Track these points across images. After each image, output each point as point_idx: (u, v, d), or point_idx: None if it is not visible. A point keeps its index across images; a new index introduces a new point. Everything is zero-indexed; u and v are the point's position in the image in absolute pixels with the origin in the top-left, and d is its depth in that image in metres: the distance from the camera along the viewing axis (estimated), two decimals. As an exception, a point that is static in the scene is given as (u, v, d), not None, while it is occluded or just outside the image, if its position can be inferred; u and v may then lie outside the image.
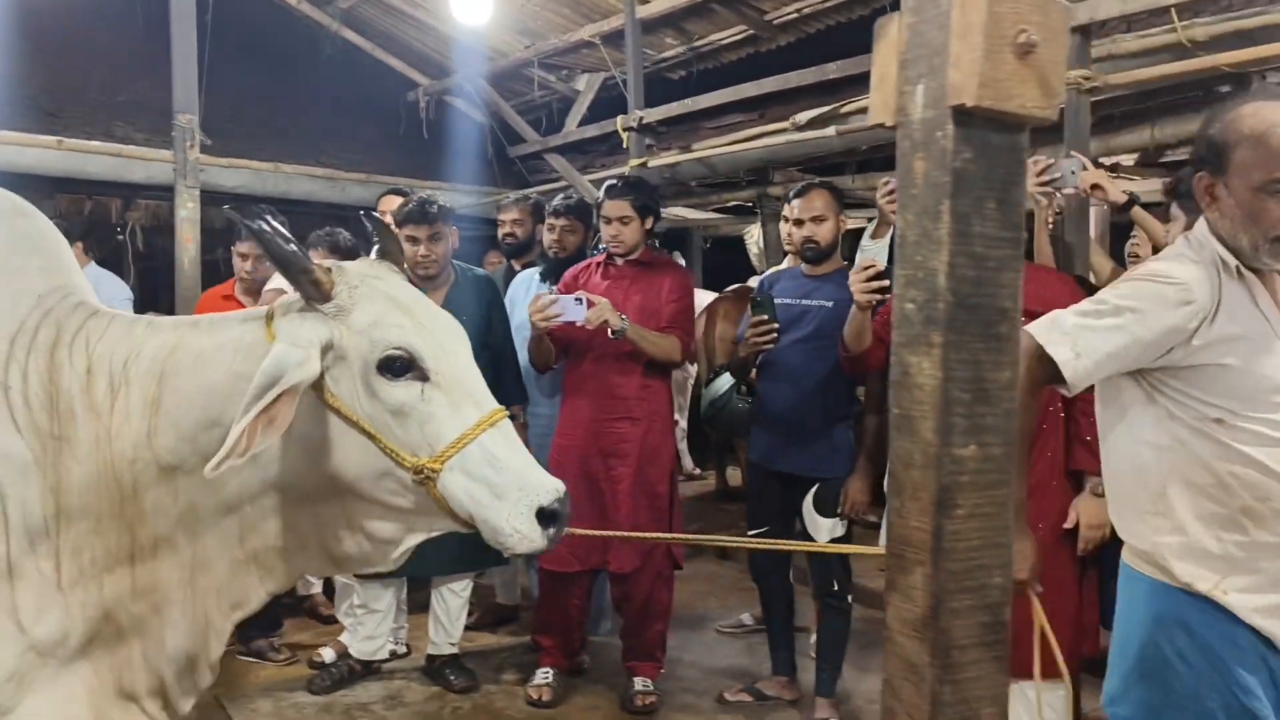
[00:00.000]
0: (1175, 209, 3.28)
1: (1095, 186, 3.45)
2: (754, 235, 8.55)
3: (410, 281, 2.03)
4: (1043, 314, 3.07)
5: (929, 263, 1.10)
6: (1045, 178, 3.42)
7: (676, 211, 8.79)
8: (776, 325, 3.66)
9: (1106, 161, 5.72)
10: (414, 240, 3.91)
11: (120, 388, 1.84)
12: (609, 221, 3.99)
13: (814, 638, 4.05)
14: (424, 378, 1.80)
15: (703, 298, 6.59)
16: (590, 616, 4.46)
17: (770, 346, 3.71)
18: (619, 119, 6.64)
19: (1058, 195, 3.57)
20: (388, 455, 1.79)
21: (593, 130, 7.29)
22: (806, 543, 3.70)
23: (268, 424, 1.69)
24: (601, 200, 4.07)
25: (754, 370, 3.91)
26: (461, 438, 1.79)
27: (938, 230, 1.09)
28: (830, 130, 5.43)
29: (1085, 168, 3.47)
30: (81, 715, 1.90)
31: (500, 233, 5.09)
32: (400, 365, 1.78)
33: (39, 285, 1.91)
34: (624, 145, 6.68)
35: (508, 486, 1.79)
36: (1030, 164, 3.50)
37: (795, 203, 3.82)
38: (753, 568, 4.14)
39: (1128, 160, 5.81)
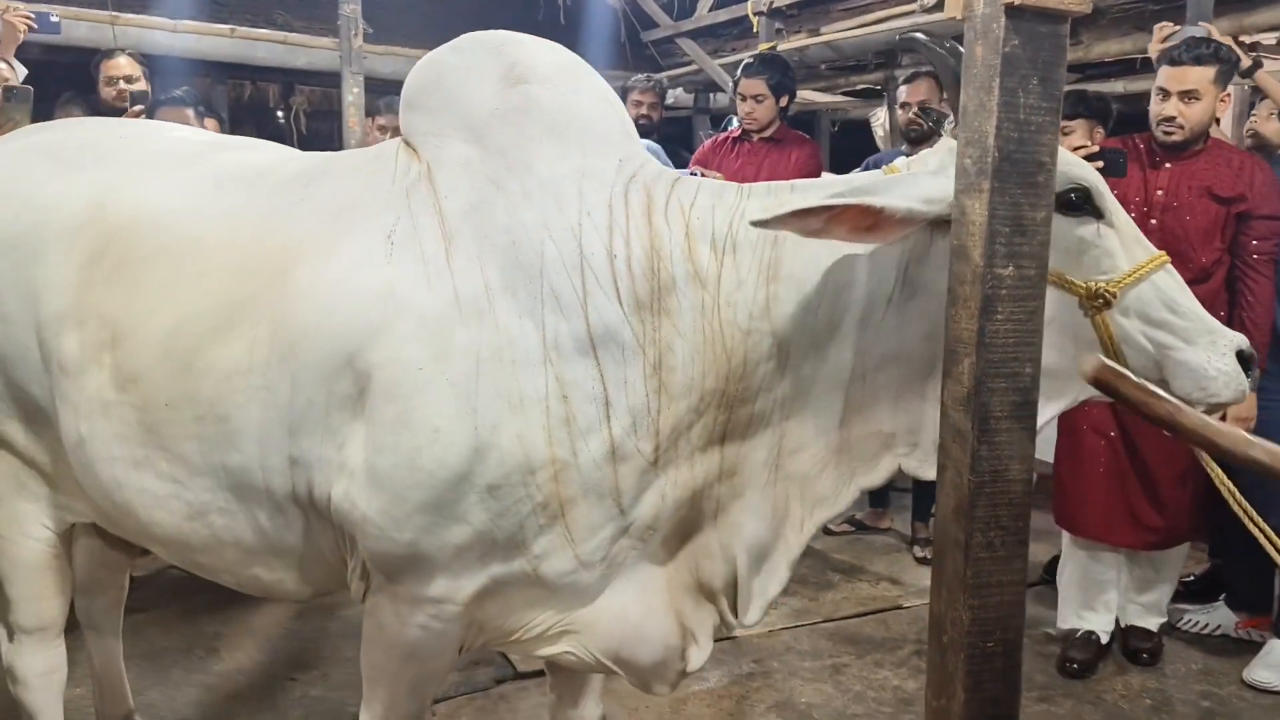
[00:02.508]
0: None
1: None
2: (880, 118, 8.63)
3: None
4: (1248, 198, 3.16)
5: (983, 127, 1.45)
6: (1169, 45, 3.40)
7: (804, 95, 8.90)
8: None
9: (1247, 40, 5.68)
10: None
11: (726, 253, 1.77)
12: (744, 99, 4.31)
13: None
14: (1099, 215, 1.72)
15: (828, 180, 6.81)
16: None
17: None
18: (749, 3, 6.81)
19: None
20: (1055, 283, 1.65)
21: (723, 14, 7.47)
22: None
23: (866, 230, 1.62)
24: (738, 78, 4.38)
25: None
26: (1136, 269, 1.71)
27: (990, 101, 1.43)
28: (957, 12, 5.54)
29: (1209, 35, 3.46)
30: (661, 607, 1.89)
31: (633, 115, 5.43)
32: (1077, 200, 1.70)
33: (622, 147, 1.87)
34: (754, 29, 6.86)
35: (1194, 331, 1.70)
36: (1156, 30, 3.60)
37: (903, 88, 4.21)
38: None
39: (1269, 39, 5.73)
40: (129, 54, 4.49)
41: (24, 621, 2.23)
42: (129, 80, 4.34)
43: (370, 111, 5.73)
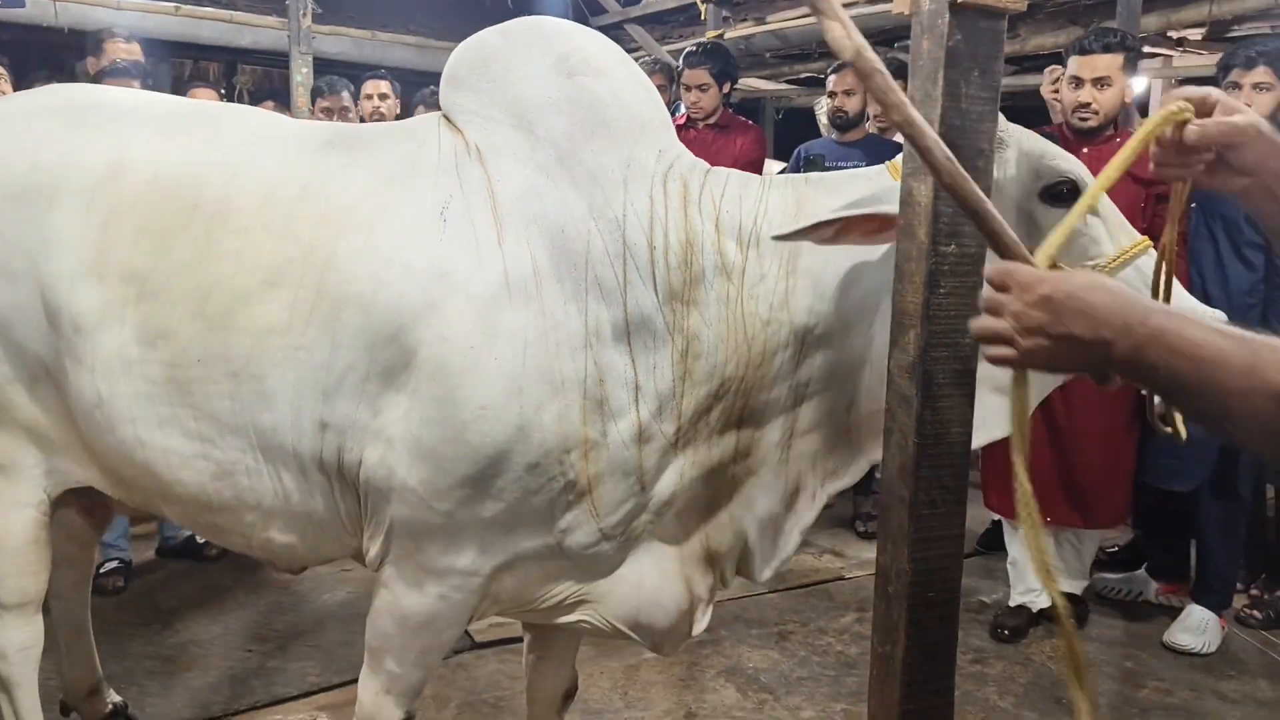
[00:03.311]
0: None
1: None
2: (824, 106, 8.78)
3: None
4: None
5: (928, 115, 1.56)
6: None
7: (750, 82, 9.05)
8: None
9: (1174, 35, 5.92)
10: None
11: (750, 246, 1.86)
12: (689, 89, 4.44)
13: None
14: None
15: (773, 167, 6.96)
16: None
17: None
18: (697, -10, 6.92)
19: None
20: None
21: (671, 1, 7.58)
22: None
23: (875, 233, 1.72)
24: (681, 68, 4.51)
25: None
26: (1121, 254, 1.78)
27: (935, 91, 1.54)
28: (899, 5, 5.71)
29: None
30: (674, 575, 2.00)
31: None
32: (1067, 193, 1.78)
33: (661, 138, 1.93)
34: (701, 17, 6.97)
35: (1178, 305, 1.71)
36: (1047, 73, 3.85)
37: (831, 77, 4.42)
38: None
39: (1194, 35, 5.98)
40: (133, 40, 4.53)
41: (5, 598, 2.20)
42: None
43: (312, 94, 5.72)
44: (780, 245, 1.85)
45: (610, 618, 1.99)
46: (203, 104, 2.24)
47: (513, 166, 1.85)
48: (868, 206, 1.72)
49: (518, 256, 1.78)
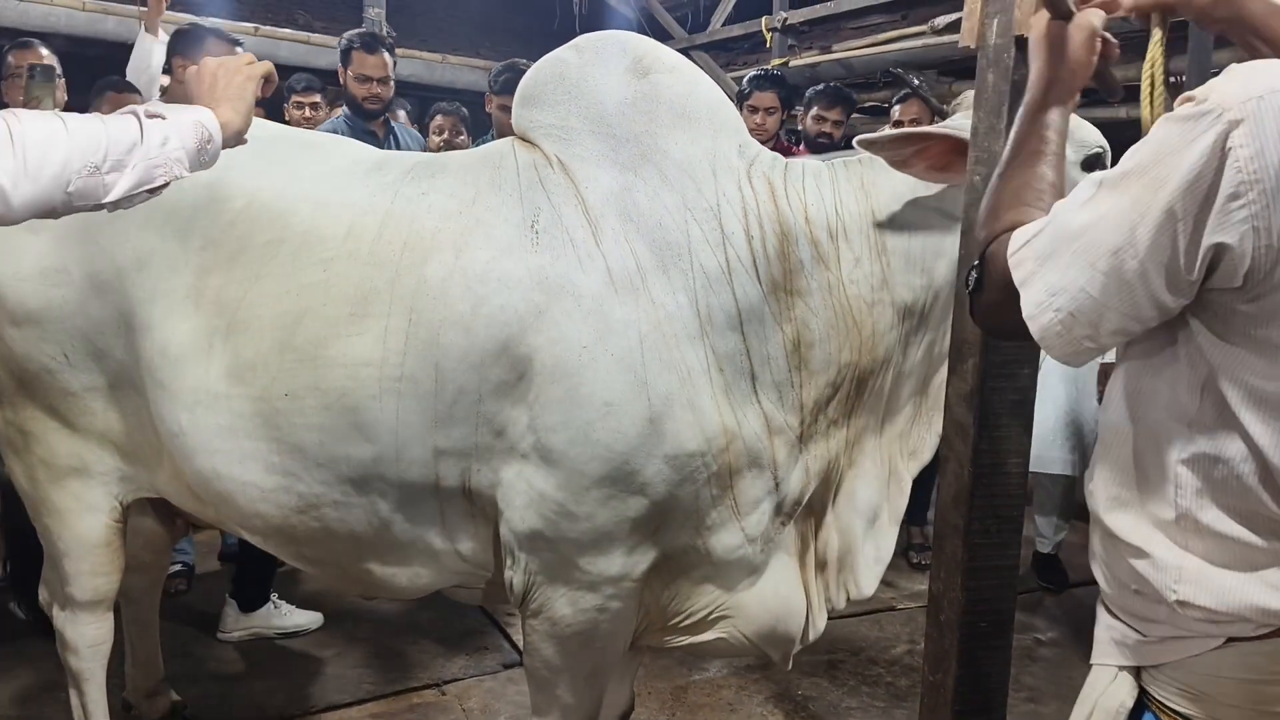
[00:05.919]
0: None
1: None
2: (888, 135, 8.77)
3: None
4: None
5: (992, 147, 1.58)
6: None
7: (813, 110, 9.07)
8: None
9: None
10: None
11: (839, 237, 1.88)
12: (755, 110, 4.49)
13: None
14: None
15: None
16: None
17: None
18: (764, 19, 6.96)
19: None
20: None
21: (737, 29, 7.62)
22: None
23: (942, 170, 1.76)
24: (749, 90, 4.55)
25: None
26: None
27: (999, 124, 1.56)
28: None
29: None
30: (797, 581, 1.97)
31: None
32: (1101, 160, 1.78)
33: (739, 135, 1.97)
34: (767, 45, 7.01)
35: None
36: None
37: (897, 107, 4.46)
38: None
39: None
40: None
41: (79, 596, 2.27)
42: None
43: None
44: (867, 232, 1.87)
45: (748, 632, 1.96)
46: (298, 132, 2.29)
47: (598, 171, 1.87)
48: (945, 129, 1.72)
49: (618, 254, 1.79)
